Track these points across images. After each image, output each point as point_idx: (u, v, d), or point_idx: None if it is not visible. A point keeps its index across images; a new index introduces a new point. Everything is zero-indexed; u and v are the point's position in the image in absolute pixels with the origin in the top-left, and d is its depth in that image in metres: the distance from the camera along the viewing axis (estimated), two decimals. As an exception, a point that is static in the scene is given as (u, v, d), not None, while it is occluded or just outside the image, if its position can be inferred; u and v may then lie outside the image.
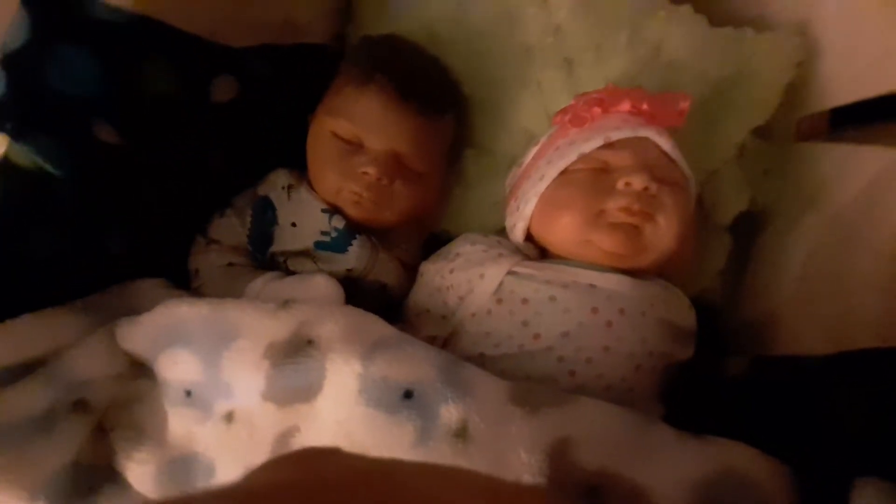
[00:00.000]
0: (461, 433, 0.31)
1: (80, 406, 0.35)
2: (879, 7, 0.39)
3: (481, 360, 0.41)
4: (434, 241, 0.54)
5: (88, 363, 0.37)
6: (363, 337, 0.35)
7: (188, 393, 0.36)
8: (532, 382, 0.37)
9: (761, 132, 0.52)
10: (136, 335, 0.38)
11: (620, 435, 0.32)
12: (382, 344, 0.35)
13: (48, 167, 0.36)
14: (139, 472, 0.35)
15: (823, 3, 0.46)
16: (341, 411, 0.33)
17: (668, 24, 0.47)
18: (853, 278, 0.40)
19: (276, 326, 0.36)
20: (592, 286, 0.39)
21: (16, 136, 0.35)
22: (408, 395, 0.32)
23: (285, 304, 0.37)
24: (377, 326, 0.37)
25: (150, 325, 0.38)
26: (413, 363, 0.34)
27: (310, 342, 0.35)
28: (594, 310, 0.38)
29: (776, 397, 0.39)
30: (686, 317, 0.44)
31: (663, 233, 0.39)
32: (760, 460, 0.33)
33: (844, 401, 0.34)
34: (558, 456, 0.30)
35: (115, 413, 0.37)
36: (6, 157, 0.35)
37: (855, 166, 0.42)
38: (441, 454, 0.31)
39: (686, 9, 0.48)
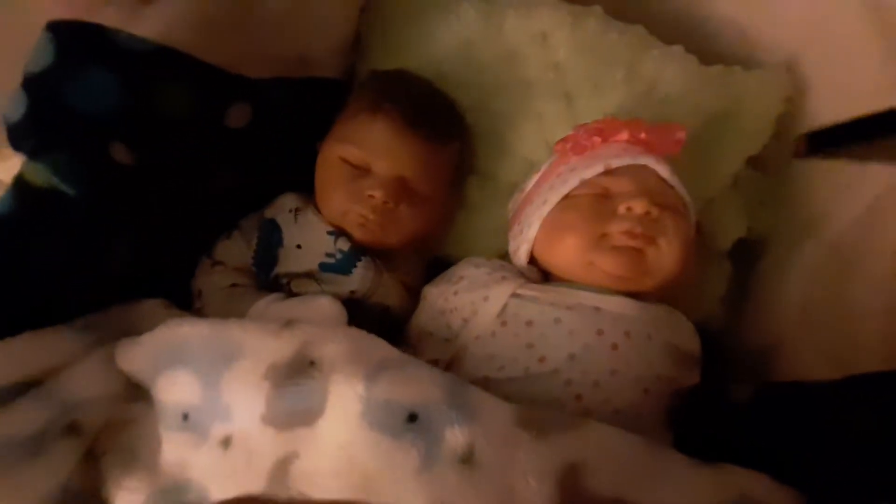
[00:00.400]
0: (467, 458, 0.30)
1: (72, 429, 0.34)
2: (866, 45, 0.42)
3: (485, 384, 0.40)
4: (437, 265, 0.55)
5: (84, 383, 0.36)
6: (366, 358, 0.35)
7: (185, 416, 0.35)
8: (539, 406, 0.37)
9: (755, 164, 0.54)
10: (136, 355, 0.38)
11: (633, 461, 0.32)
12: (386, 365, 0.34)
13: (62, 186, 0.37)
14: (129, 500, 0.33)
15: (811, 43, 0.49)
16: (343, 435, 0.32)
17: (662, 61, 0.50)
18: (854, 304, 0.41)
19: (278, 346, 0.35)
20: (597, 309, 0.40)
21: (33, 155, 0.35)
22: (412, 418, 0.31)
23: (288, 323, 0.37)
24: (380, 348, 0.37)
25: (150, 346, 0.37)
26: (417, 385, 0.33)
27: (312, 363, 0.35)
28: (600, 332, 0.38)
29: (783, 423, 0.39)
30: (691, 342, 0.44)
31: (665, 256, 0.40)
32: (774, 488, 0.32)
33: (852, 425, 0.33)
34: (569, 483, 0.29)
35: (107, 437, 0.35)
36: (21, 176, 0.36)
37: (851, 194, 0.44)
38: (446, 480, 0.30)
39: (678, 48, 0.51)
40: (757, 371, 0.47)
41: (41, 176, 0.36)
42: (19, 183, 0.36)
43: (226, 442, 0.34)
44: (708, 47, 0.53)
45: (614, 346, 0.38)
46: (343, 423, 0.32)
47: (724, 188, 0.51)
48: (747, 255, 0.55)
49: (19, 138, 0.36)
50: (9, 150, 0.58)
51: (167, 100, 0.40)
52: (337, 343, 0.35)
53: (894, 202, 0.41)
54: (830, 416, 0.35)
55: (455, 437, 0.30)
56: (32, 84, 0.35)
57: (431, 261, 0.57)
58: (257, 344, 0.35)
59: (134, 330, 0.41)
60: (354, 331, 0.38)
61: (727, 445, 0.42)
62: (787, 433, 0.39)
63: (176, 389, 0.36)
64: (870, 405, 0.33)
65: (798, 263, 0.47)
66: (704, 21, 0.55)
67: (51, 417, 0.34)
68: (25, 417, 0.33)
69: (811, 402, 0.38)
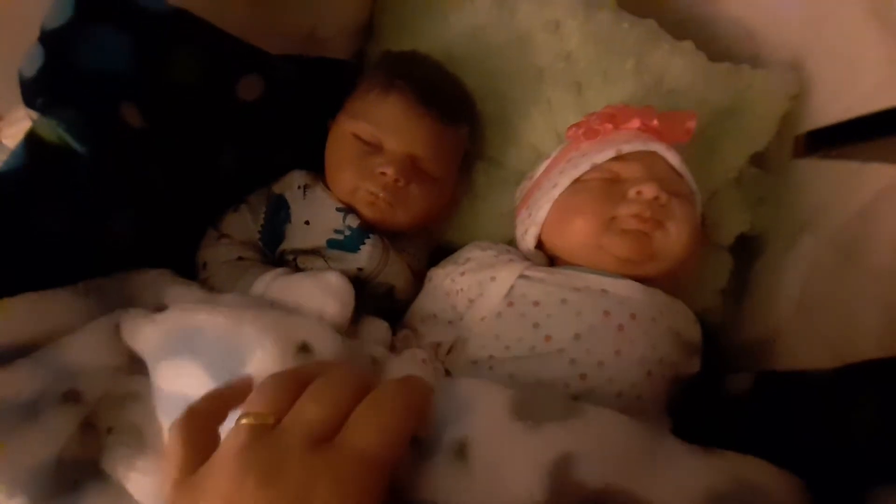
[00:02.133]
0: (461, 453, 0.30)
1: (70, 397, 0.34)
2: (870, 44, 0.43)
3: (490, 363, 0.41)
4: (441, 252, 0.55)
5: (85, 352, 0.35)
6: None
7: None
8: (536, 389, 0.36)
9: (758, 162, 0.55)
10: (144, 334, 0.36)
11: (627, 448, 0.31)
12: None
13: (73, 143, 0.36)
14: (143, 482, 0.33)
15: (816, 42, 0.50)
16: None
17: (671, 55, 0.51)
18: (852, 297, 0.41)
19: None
20: (604, 291, 0.40)
21: (46, 110, 0.35)
22: None
23: (303, 347, 0.35)
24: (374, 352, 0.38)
25: (161, 327, 0.36)
26: None
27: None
28: (606, 313, 0.39)
29: (782, 412, 0.39)
30: (692, 330, 0.44)
31: (673, 240, 0.40)
32: (773, 472, 0.32)
33: (852, 411, 0.34)
34: (560, 474, 0.29)
35: (108, 410, 0.35)
36: (33, 131, 0.36)
37: (850, 191, 0.45)
38: (441, 474, 0.30)
39: (688, 44, 0.52)
40: (755, 363, 0.48)
41: (53, 132, 0.35)
42: (31, 138, 0.35)
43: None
44: (716, 46, 0.54)
45: (620, 328, 0.38)
46: None
47: (727, 183, 0.52)
48: (748, 252, 0.55)
49: (33, 94, 0.35)
50: (15, 116, 0.58)
51: (180, 64, 0.40)
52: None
53: (893, 199, 0.42)
54: (830, 404, 0.36)
55: (449, 432, 0.30)
56: (49, 40, 0.35)
57: (435, 248, 0.57)
58: (272, 348, 0.34)
59: (137, 299, 0.40)
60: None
61: (726, 434, 0.43)
62: (786, 421, 0.39)
63: (181, 381, 0.34)
64: (870, 391, 0.33)
65: (797, 257, 0.48)
66: (713, 20, 0.57)
67: (49, 383, 0.33)
68: (22, 381, 0.33)
69: (810, 391, 0.38)
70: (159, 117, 0.40)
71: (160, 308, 0.38)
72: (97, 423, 0.35)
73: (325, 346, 0.36)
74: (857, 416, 0.33)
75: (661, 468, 0.31)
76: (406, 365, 0.41)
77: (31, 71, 0.35)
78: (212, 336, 0.34)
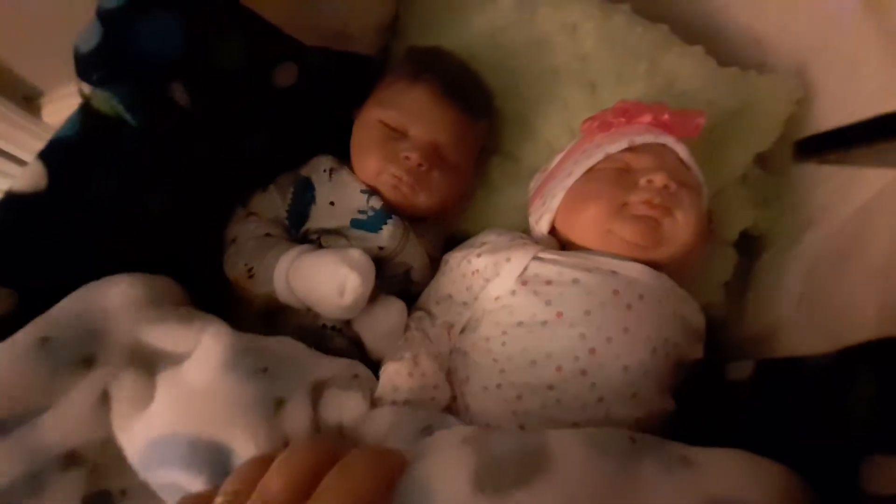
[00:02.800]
0: None
1: (70, 460, 0.33)
2: (871, 53, 0.46)
3: (503, 338, 0.43)
4: (455, 241, 0.57)
5: (73, 429, 0.34)
6: None
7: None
8: (494, 437, 0.32)
9: (763, 164, 0.57)
10: (130, 440, 0.34)
11: (596, 491, 0.29)
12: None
13: (126, 115, 0.39)
14: None
15: (821, 50, 0.53)
16: None
17: (682, 59, 0.54)
18: (850, 293, 0.43)
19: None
20: (614, 272, 0.42)
21: (102, 83, 0.38)
22: None
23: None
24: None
25: (140, 443, 0.34)
26: None
27: None
28: (615, 292, 0.41)
29: (782, 395, 0.41)
30: (697, 318, 0.46)
31: (680, 227, 0.43)
32: (752, 480, 0.31)
33: (850, 387, 0.35)
34: None
35: (117, 470, 0.34)
36: (88, 102, 0.39)
37: (851, 190, 0.47)
38: None
39: (698, 48, 0.55)
40: (757, 355, 0.50)
41: (107, 104, 0.38)
42: (86, 108, 0.38)
43: None
44: (725, 52, 0.57)
45: (628, 307, 0.41)
46: None
47: (733, 181, 0.54)
48: (751, 250, 0.58)
49: (89, 68, 0.38)
50: (57, 93, 0.61)
51: (226, 49, 0.43)
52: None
53: (891, 198, 0.44)
54: (827, 383, 0.37)
55: None
56: (107, 19, 0.38)
57: (450, 237, 0.60)
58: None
59: (99, 336, 0.36)
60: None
61: (727, 418, 0.45)
62: (785, 404, 0.41)
63: (170, 482, 0.33)
64: (866, 369, 0.35)
65: (799, 254, 0.50)
66: (723, 28, 0.59)
67: (45, 450, 0.33)
68: (20, 452, 0.32)
69: (809, 374, 0.40)
70: (203, 98, 0.43)
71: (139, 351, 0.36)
72: (110, 487, 0.35)
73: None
74: (856, 392, 0.35)
75: (634, 499, 0.29)
76: (391, 384, 0.42)
77: (87, 47, 0.38)
78: (201, 446, 0.33)
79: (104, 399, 0.35)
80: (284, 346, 0.41)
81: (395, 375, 0.42)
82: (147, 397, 0.35)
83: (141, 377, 0.35)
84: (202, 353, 0.36)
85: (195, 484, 0.32)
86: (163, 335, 0.37)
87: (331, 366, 0.42)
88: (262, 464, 0.28)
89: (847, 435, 0.35)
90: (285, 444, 0.35)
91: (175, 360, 0.36)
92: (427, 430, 0.37)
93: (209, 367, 0.35)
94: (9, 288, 0.37)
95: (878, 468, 0.31)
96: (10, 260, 0.37)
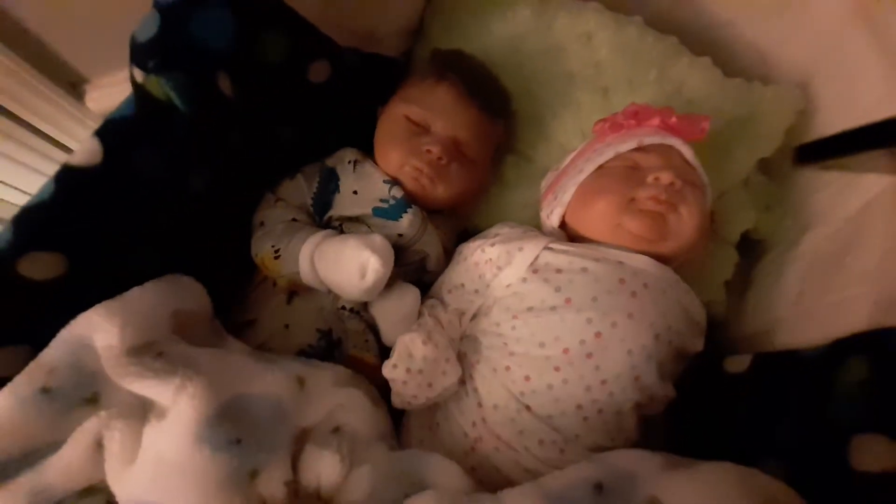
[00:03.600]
0: None
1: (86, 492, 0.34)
2: (870, 66, 0.49)
3: (513, 323, 0.46)
4: (468, 236, 0.60)
5: (71, 471, 0.35)
6: None
7: None
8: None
9: (766, 170, 0.60)
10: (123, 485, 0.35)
11: None
12: None
13: (177, 101, 0.42)
14: None
15: (822, 64, 0.56)
16: None
17: (690, 68, 0.57)
18: (845, 291, 0.46)
19: None
20: (621, 263, 0.45)
21: (157, 70, 0.41)
22: None
23: None
24: None
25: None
26: None
27: None
28: (621, 280, 0.44)
29: (777, 385, 0.43)
30: (698, 311, 0.49)
31: (685, 223, 0.45)
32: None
33: (842, 374, 0.38)
34: None
35: None
36: (143, 86, 0.42)
37: (849, 195, 0.50)
38: None
39: (706, 59, 0.58)
40: (755, 350, 0.52)
41: (160, 89, 0.42)
42: (141, 92, 0.42)
43: None
44: (731, 64, 0.60)
45: (633, 294, 0.43)
46: None
47: (736, 184, 0.57)
48: (752, 253, 0.60)
49: (145, 56, 0.42)
50: (102, 80, 0.65)
51: (269, 44, 0.46)
52: None
53: (884, 204, 0.46)
54: (820, 371, 0.40)
55: None
56: (165, 11, 0.41)
57: (463, 231, 0.63)
58: None
59: (99, 375, 0.37)
60: None
61: (725, 409, 0.47)
62: (780, 394, 0.43)
63: None
64: (856, 356, 0.37)
65: (796, 255, 0.52)
66: (729, 42, 0.63)
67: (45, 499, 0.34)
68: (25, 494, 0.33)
69: (803, 364, 0.42)
70: (245, 89, 0.47)
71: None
72: None
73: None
74: (846, 377, 0.37)
75: None
76: (406, 350, 0.44)
77: (145, 36, 0.42)
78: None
79: (100, 446, 0.35)
80: (268, 398, 0.40)
81: (409, 342, 0.44)
82: (133, 452, 0.35)
83: (130, 429, 0.35)
84: (176, 420, 0.35)
85: None
86: (143, 389, 0.36)
87: (318, 407, 0.42)
88: None
89: (836, 417, 0.37)
90: None
91: (158, 412, 0.36)
92: (408, 489, 0.37)
93: (181, 439, 0.34)
94: (61, 254, 0.40)
95: (866, 447, 0.33)
96: (64, 228, 0.40)
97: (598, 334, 0.42)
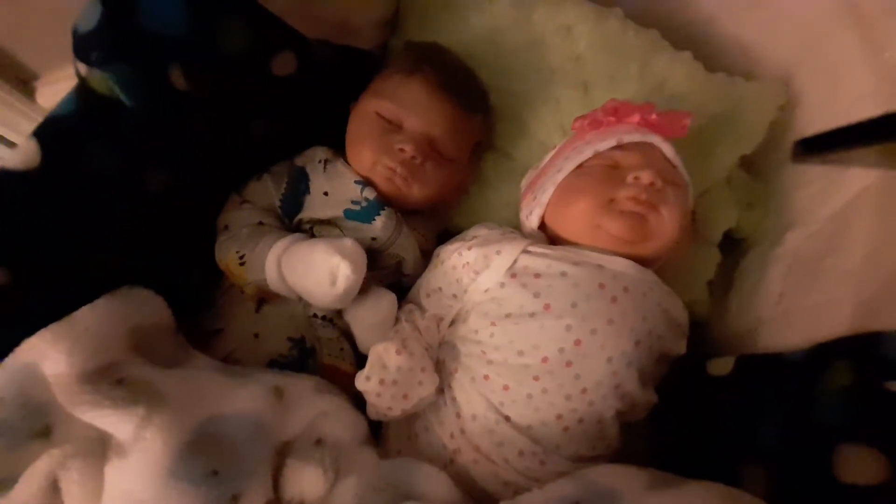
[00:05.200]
0: None
1: None
2: (854, 61, 0.47)
3: (492, 330, 0.44)
4: (449, 236, 0.58)
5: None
6: None
7: None
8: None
9: (748, 168, 0.59)
10: None
11: None
12: None
13: (122, 96, 0.39)
14: None
15: (805, 59, 0.55)
16: None
17: (672, 63, 0.55)
18: (827, 291, 0.45)
19: None
20: (600, 266, 0.43)
21: (100, 63, 0.38)
22: None
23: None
24: None
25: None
26: None
27: None
28: (601, 285, 0.42)
29: (760, 389, 0.42)
30: (680, 313, 0.48)
31: (666, 223, 0.44)
32: None
33: (824, 380, 0.37)
34: None
35: None
36: (84, 81, 0.39)
37: (827, 197, 0.49)
38: None
39: (687, 54, 0.56)
40: (737, 351, 0.51)
41: (103, 84, 0.39)
42: (82, 88, 0.39)
43: None
44: (713, 59, 0.58)
45: (613, 299, 0.42)
46: None
47: (718, 182, 0.56)
48: (735, 252, 0.59)
49: (88, 48, 0.38)
50: (52, 76, 0.61)
51: (226, 35, 0.43)
52: None
53: (867, 202, 0.45)
54: (802, 376, 0.39)
55: None
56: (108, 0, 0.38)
57: (443, 231, 0.61)
58: None
59: (50, 406, 0.34)
60: None
61: (707, 413, 0.46)
62: (763, 397, 0.42)
63: None
64: (838, 362, 0.36)
65: (779, 255, 0.51)
66: (712, 36, 0.61)
67: None
68: None
69: (785, 368, 0.41)
70: (202, 84, 0.44)
71: None
72: None
73: None
74: (828, 384, 0.36)
75: None
76: (379, 361, 0.42)
77: (87, 27, 0.38)
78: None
79: (55, 488, 0.33)
80: (244, 416, 0.37)
81: (383, 352, 0.42)
82: (96, 493, 0.32)
83: (90, 468, 0.33)
84: (143, 455, 0.32)
85: None
86: (100, 420, 0.33)
87: (299, 417, 0.40)
88: None
89: (820, 424, 0.36)
90: None
91: (120, 449, 0.33)
92: None
93: (152, 476, 0.32)
94: (1, 266, 0.37)
95: (851, 458, 0.32)
96: (2, 237, 0.37)
97: (577, 342, 0.41)
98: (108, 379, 0.35)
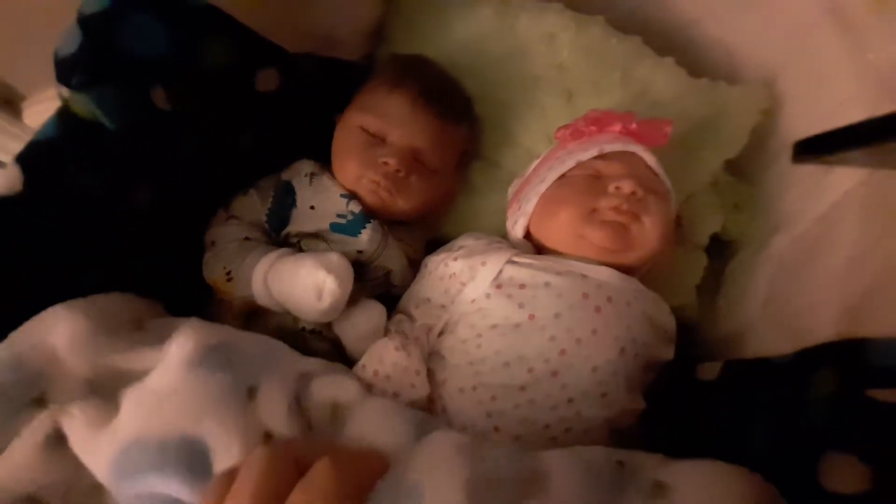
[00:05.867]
0: None
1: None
2: (838, 64, 0.47)
3: (478, 341, 0.44)
4: (438, 245, 0.58)
5: (19, 471, 0.32)
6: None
7: None
8: (492, 453, 0.32)
9: (733, 170, 0.59)
10: (96, 456, 0.32)
11: None
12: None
13: (104, 119, 0.39)
14: None
15: (790, 62, 0.55)
16: None
17: (655, 69, 0.55)
18: (812, 295, 0.45)
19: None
20: (584, 276, 0.43)
21: (80, 87, 0.38)
22: None
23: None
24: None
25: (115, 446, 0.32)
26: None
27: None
28: (585, 295, 0.42)
29: (746, 394, 0.42)
30: (667, 319, 0.48)
31: (648, 232, 0.44)
32: (725, 499, 0.31)
33: (809, 388, 0.37)
34: None
35: None
36: (66, 105, 0.39)
37: (816, 196, 0.49)
38: None
39: (669, 60, 0.57)
40: (725, 355, 0.51)
41: (85, 107, 0.39)
42: (64, 111, 0.39)
43: None
44: (697, 63, 0.58)
45: (597, 309, 0.42)
46: None
47: (703, 186, 0.56)
48: (722, 254, 0.59)
49: (68, 71, 0.39)
50: (38, 97, 0.61)
51: (207, 55, 0.43)
52: None
53: (852, 204, 0.45)
54: (788, 383, 0.39)
55: None
56: (87, 23, 0.38)
57: (432, 241, 0.61)
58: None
59: (46, 375, 0.34)
60: None
61: (696, 417, 0.46)
62: (750, 403, 0.42)
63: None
64: (823, 369, 0.36)
65: (766, 257, 0.51)
66: (695, 40, 0.61)
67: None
68: None
69: (771, 373, 0.41)
70: (184, 102, 0.44)
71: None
72: None
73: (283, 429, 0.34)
74: (813, 391, 0.36)
75: None
76: (377, 354, 0.43)
77: (67, 51, 0.39)
78: (171, 446, 0.31)
79: (56, 441, 0.33)
80: (260, 343, 0.40)
81: (382, 347, 0.43)
82: (107, 416, 0.33)
83: (98, 402, 0.34)
84: (165, 360, 0.34)
85: (172, 487, 0.31)
86: (121, 360, 0.35)
87: (313, 362, 0.41)
88: (226, 479, 0.26)
89: (806, 431, 0.36)
90: (265, 434, 0.33)
91: (139, 376, 0.34)
92: (421, 426, 0.35)
93: (172, 369, 0.34)
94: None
95: (835, 466, 0.32)
96: (-13, 262, 0.38)
97: (562, 351, 0.41)
98: (127, 329, 0.38)
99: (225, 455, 0.31)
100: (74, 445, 0.33)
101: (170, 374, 0.34)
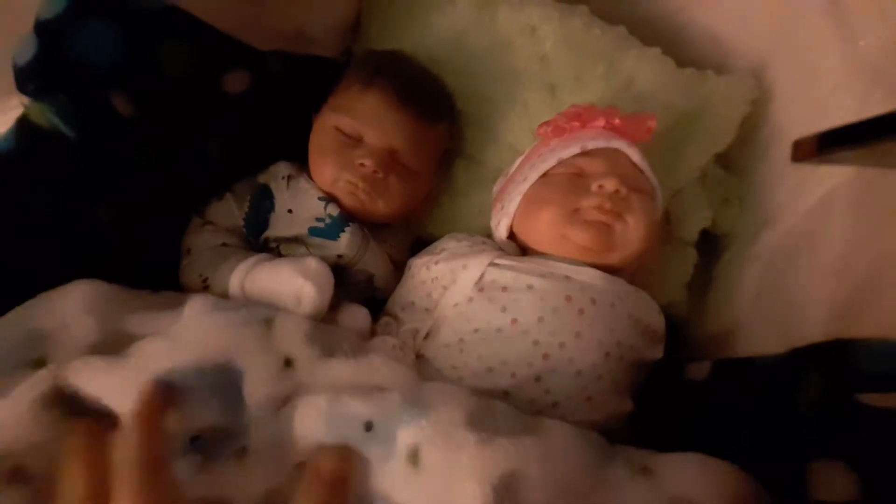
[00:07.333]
0: (413, 458, 0.31)
1: (15, 476, 0.31)
2: (829, 51, 0.46)
3: (461, 346, 0.43)
4: (423, 244, 0.57)
5: (16, 432, 0.31)
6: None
7: (194, 439, 0.33)
8: (498, 403, 0.36)
9: (723, 163, 0.58)
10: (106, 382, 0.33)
11: (573, 473, 0.32)
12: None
13: (63, 128, 0.38)
14: None
15: (779, 49, 0.53)
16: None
17: (640, 60, 0.54)
18: (801, 292, 0.44)
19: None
20: (567, 278, 0.42)
21: (38, 95, 0.37)
22: (368, 426, 0.33)
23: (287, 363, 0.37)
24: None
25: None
26: (375, 391, 0.35)
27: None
28: (568, 298, 0.41)
29: (736, 394, 0.42)
30: (655, 319, 0.47)
31: (632, 232, 0.43)
32: (706, 485, 0.33)
33: (797, 391, 0.36)
34: (505, 492, 0.30)
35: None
36: (25, 115, 0.38)
37: (802, 193, 0.47)
38: (394, 477, 0.31)
39: (655, 50, 0.55)
40: (717, 353, 0.50)
41: (44, 117, 0.37)
42: (22, 122, 0.37)
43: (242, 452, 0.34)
44: (684, 52, 0.57)
45: (580, 312, 0.41)
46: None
47: (691, 181, 0.55)
48: (712, 250, 0.58)
49: (26, 80, 0.37)
50: (5, 105, 0.60)
51: (169, 57, 0.42)
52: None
53: (842, 197, 0.44)
54: (776, 385, 0.38)
55: (404, 436, 0.31)
56: (43, 29, 0.37)
57: (416, 241, 0.59)
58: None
59: (48, 336, 0.35)
60: None
61: (685, 417, 0.45)
62: (739, 403, 0.41)
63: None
64: (811, 372, 0.36)
65: (755, 253, 0.50)
66: (682, 28, 0.59)
67: None
68: None
69: (760, 374, 0.41)
70: (148, 107, 0.42)
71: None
72: None
73: None
74: (801, 395, 0.36)
75: (603, 496, 0.32)
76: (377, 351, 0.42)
77: (24, 58, 0.37)
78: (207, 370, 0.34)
79: (51, 401, 0.32)
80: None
81: (380, 343, 0.43)
82: (116, 363, 0.34)
83: (103, 357, 0.34)
84: (185, 312, 0.37)
85: (212, 410, 0.33)
86: (135, 323, 0.37)
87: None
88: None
89: (793, 438, 0.35)
90: (286, 360, 0.37)
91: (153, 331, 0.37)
92: None
93: (192, 316, 0.37)
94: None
95: (822, 473, 0.31)
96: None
97: (545, 356, 0.40)
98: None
99: (253, 376, 0.34)
100: (91, 388, 0.33)
101: (191, 319, 0.37)
